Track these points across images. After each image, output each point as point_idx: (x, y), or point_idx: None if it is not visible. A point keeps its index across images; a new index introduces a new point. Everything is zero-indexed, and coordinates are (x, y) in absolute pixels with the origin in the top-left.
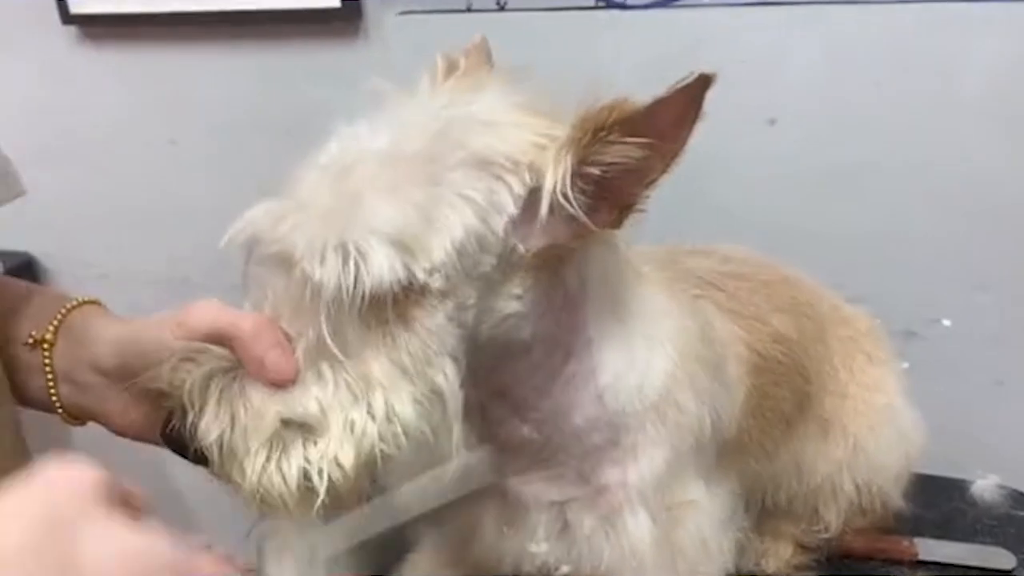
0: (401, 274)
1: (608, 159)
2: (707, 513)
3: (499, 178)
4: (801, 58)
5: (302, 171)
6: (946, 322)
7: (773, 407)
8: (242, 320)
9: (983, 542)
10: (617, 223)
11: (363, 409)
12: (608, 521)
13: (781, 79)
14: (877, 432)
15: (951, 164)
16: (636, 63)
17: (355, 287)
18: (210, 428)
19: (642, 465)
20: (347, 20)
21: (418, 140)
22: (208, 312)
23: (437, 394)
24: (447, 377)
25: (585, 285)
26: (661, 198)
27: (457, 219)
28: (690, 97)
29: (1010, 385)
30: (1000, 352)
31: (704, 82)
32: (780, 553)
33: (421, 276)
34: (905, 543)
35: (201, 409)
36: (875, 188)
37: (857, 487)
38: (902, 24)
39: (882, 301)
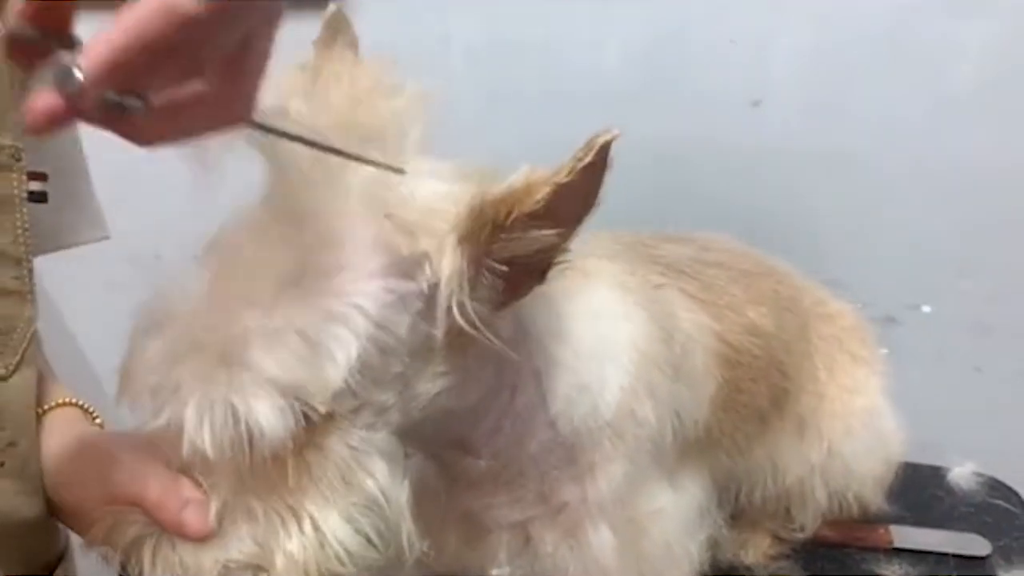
0: (298, 420)
1: (508, 254)
2: (672, 518)
3: (392, 277)
4: (788, 40)
5: (174, 299)
6: (926, 308)
7: (747, 402)
8: (148, 490)
9: (959, 529)
10: (540, 281)
11: (296, 540)
12: (571, 536)
13: (767, 61)
14: (854, 437)
15: (935, 150)
16: (622, 44)
17: (251, 446)
18: None
19: (600, 482)
20: None
21: (292, 245)
22: (121, 480)
23: (371, 499)
24: (378, 479)
25: (522, 325)
26: (640, 182)
27: (349, 335)
28: (593, 175)
29: (988, 372)
30: (980, 339)
31: (604, 152)
32: (758, 544)
33: (322, 409)
34: (881, 530)
35: (141, 573)
36: (858, 173)
37: (829, 495)
38: (891, 7)
39: (863, 286)
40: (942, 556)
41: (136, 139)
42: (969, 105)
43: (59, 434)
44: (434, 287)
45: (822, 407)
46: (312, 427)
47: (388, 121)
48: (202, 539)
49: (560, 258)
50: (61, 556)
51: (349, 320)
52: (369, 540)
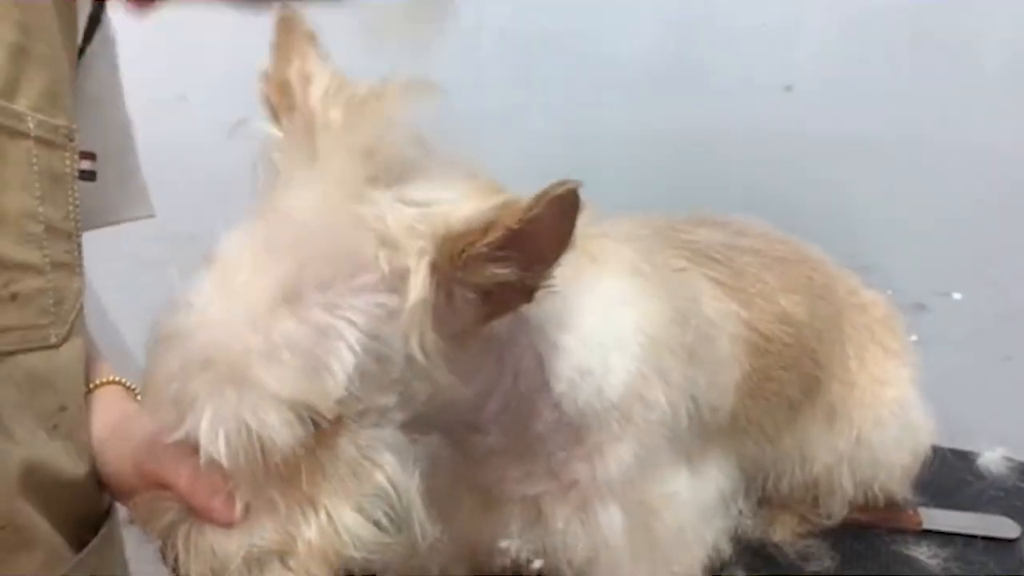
0: (306, 429)
1: (477, 280)
2: (687, 503)
3: (381, 292)
4: (819, 24)
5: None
6: (956, 296)
7: (776, 390)
8: (180, 476)
9: (989, 512)
10: (526, 300)
11: (315, 528)
12: (581, 513)
13: (798, 45)
14: (883, 427)
15: (967, 136)
16: (653, 27)
17: (263, 454)
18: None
19: (608, 462)
20: None
21: (288, 259)
22: (156, 461)
23: (381, 490)
24: (386, 471)
25: (522, 313)
26: (672, 167)
27: (344, 349)
28: (548, 224)
29: (1018, 360)
30: (1009, 327)
31: (557, 205)
32: (786, 522)
33: (329, 416)
34: (910, 512)
35: (177, 558)
36: (890, 158)
37: (856, 484)
38: None
39: (893, 273)
40: (971, 538)
41: None
42: (1001, 91)
43: (103, 410)
44: None
45: (852, 396)
46: (322, 430)
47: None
48: (229, 526)
49: (545, 283)
50: (106, 514)
51: (342, 334)
52: (380, 526)
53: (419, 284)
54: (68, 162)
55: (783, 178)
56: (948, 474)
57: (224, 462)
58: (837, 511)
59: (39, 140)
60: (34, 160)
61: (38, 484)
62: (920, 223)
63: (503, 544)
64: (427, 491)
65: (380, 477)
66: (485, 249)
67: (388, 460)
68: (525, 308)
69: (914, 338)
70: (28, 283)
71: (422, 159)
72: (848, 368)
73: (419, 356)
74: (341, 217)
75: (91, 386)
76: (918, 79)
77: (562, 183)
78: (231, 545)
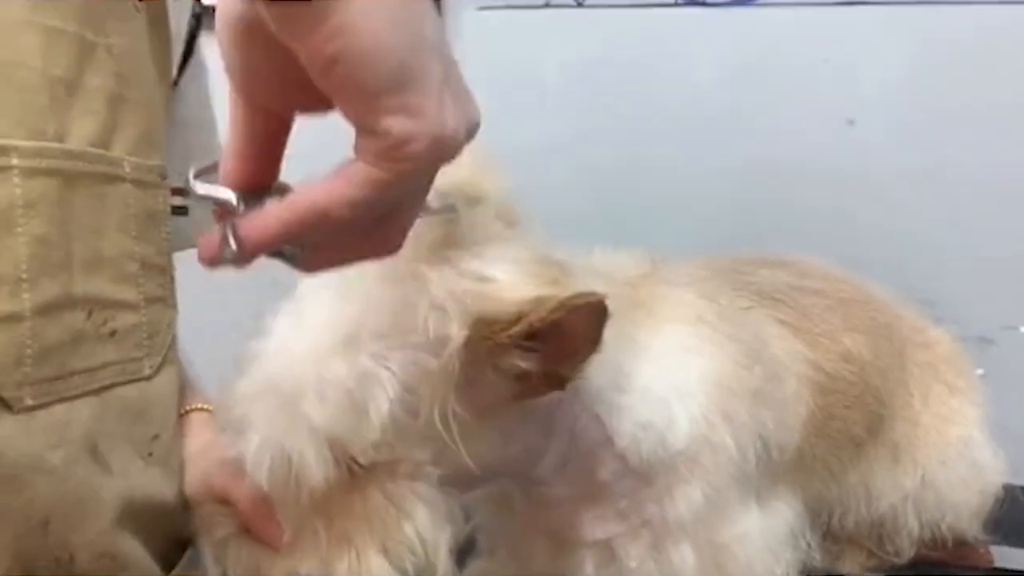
0: (339, 469)
1: (504, 366)
2: (757, 540)
3: (421, 351)
4: (883, 58)
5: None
6: (1023, 329)
7: (841, 428)
8: (241, 496)
9: None
10: (559, 388)
11: (345, 566)
12: (654, 552)
13: (862, 79)
14: (949, 467)
15: None
16: (716, 61)
17: (299, 485)
18: None
19: (678, 503)
20: None
21: (355, 306)
22: (222, 476)
23: (409, 541)
24: (416, 524)
25: (571, 385)
26: (735, 201)
27: (382, 395)
28: (569, 328)
29: None
30: None
31: (578, 312)
32: (854, 556)
33: (362, 460)
34: (981, 551)
35: (226, 571)
36: (954, 191)
37: (923, 524)
38: (988, 26)
39: (959, 307)
40: None
41: (294, 267)
42: None
43: (189, 437)
44: None
45: (916, 434)
46: (357, 475)
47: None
48: (277, 548)
49: (577, 375)
50: (192, 538)
51: (382, 381)
52: (405, 575)
53: (449, 357)
54: (161, 199)
55: (846, 212)
56: (1020, 512)
57: (264, 485)
58: (905, 549)
59: (135, 182)
60: (130, 202)
61: (135, 513)
62: (985, 256)
63: None
64: (501, 535)
65: (408, 528)
66: (508, 340)
67: (420, 513)
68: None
69: (980, 372)
70: (125, 319)
71: (503, 231)
72: (912, 406)
73: (438, 424)
74: (406, 275)
75: (181, 411)
76: (982, 111)
77: (588, 294)
78: (275, 568)
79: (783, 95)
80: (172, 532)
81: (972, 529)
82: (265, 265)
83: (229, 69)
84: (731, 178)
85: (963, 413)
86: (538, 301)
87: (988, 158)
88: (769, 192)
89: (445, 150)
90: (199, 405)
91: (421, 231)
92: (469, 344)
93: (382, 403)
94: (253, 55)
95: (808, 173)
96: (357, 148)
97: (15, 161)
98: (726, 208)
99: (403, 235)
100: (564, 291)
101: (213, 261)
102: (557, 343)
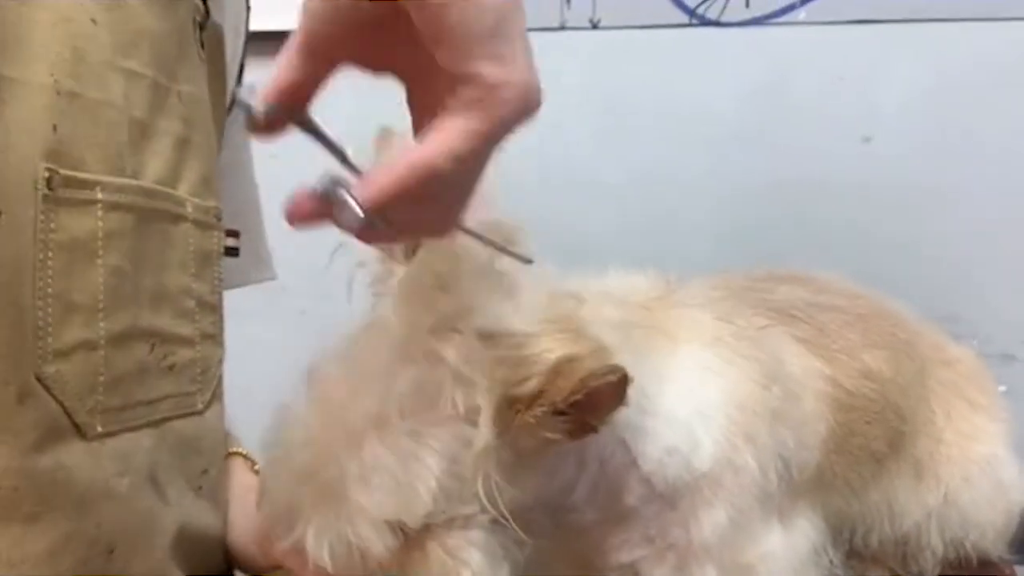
0: (397, 537)
1: (534, 435)
2: (780, 559)
3: (459, 423)
4: (898, 76)
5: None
6: None
7: (862, 444)
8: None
9: None
10: (592, 432)
11: None
12: (679, 573)
13: (877, 97)
14: (972, 485)
15: None
16: (731, 81)
17: (364, 561)
18: None
19: (703, 525)
20: None
21: (377, 387)
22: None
23: None
24: (473, 568)
25: None
26: (753, 219)
27: (428, 473)
28: (607, 395)
29: None
30: None
31: (598, 392)
32: (879, 574)
33: (415, 528)
34: (1007, 571)
35: None
36: (972, 208)
37: (946, 543)
38: (1002, 40)
39: (980, 323)
40: None
41: (365, 240)
42: None
43: (233, 477)
44: None
45: (939, 451)
46: (412, 536)
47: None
48: None
49: (606, 422)
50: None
51: (425, 460)
52: None
53: (484, 431)
54: (216, 241)
55: (866, 229)
56: None
57: (329, 567)
58: (929, 568)
59: (195, 222)
60: (190, 241)
61: (186, 543)
62: (1006, 272)
63: None
64: (529, 562)
65: (467, 575)
66: (533, 420)
67: (476, 559)
68: None
69: (1003, 388)
70: (182, 354)
71: (503, 279)
72: (934, 423)
73: (483, 497)
74: (418, 353)
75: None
76: (999, 127)
77: (610, 369)
78: None
79: (799, 113)
80: (214, 565)
81: (996, 548)
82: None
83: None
84: (748, 196)
85: (986, 430)
86: (556, 372)
87: (1005, 174)
88: (787, 209)
89: (531, 100)
90: (235, 449)
91: (418, 309)
92: (498, 415)
93: (428, 479)
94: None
95: (825, 190)
96: (448, 103)
97: (100, 195)
98: (744, 226)
99: (457, 216)
100: (583, 348)
101: (304, 218)
102: (583, 410)
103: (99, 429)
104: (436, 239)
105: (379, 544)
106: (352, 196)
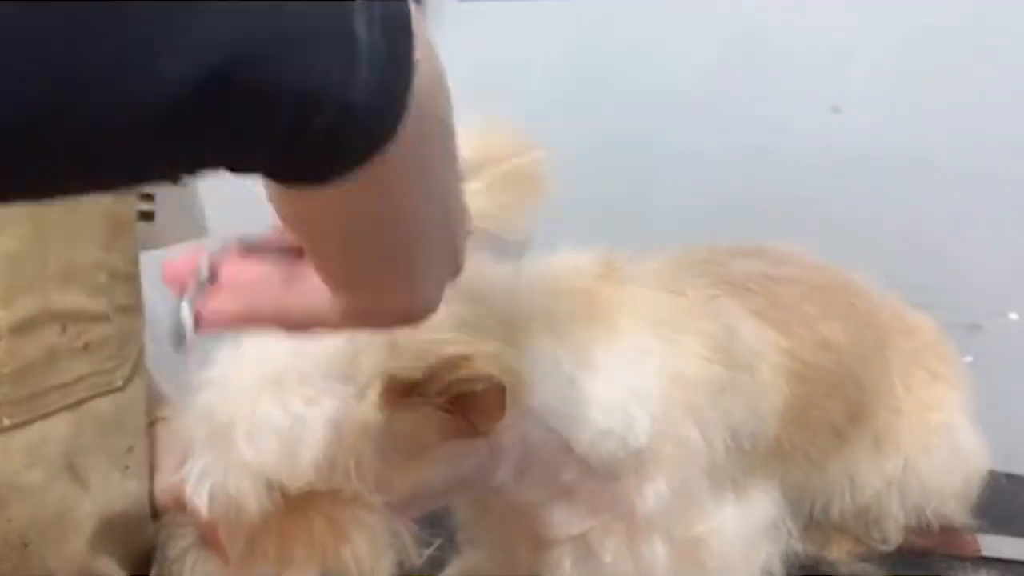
0: (274, 500)
1: (423, 417)
2: (733, 531)
3: (352, 393)
4: (868, 45)
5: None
6: (1012, 315)
7: (821, 417)
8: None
9: None
10: (483, 435)
11: None
12: (628, 543)
13: (847, 66)
14: (931, 454)
15: (1018, 153)
16: (701, 48)
17: (239, 514)
18: None
19: (647, 496)
20: None
21: (287, 347)
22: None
23: (345, 564)
24: (354, 548)
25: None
26: (720, 188)
27: (311, 434)
28: (490, 397)
29: None
30: None
31: (501, 391)
32: (841, 543)
33: (296, 491)
34: (968, 538)
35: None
36: (941, 178)
37: (907, 511)
38: (972, 8)
39: (946, 293)
40: None
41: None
42: None
43: (159, 444)
44: None
45: (899, 422)
46: (294, 498)
47: None
48: (230, 563)
49: (491, 431)
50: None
51: (312, 425)
52: None
53: (366, 408)
54: (129, 207)
55: (834, 199)
56: (1008, 500)
57: (203, 511)
58: (892, 536)
59: None
60: (98, 212)
61: (111, 529)
62: (973, 242)
63: None
64: (482, 532)
65: (346, 553)
66: (408, 409)
67: (358, 538)
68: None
69: (968, 359)
70: (97, 332)
71: None
72: (894, 394)
73: (353, 475)
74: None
75: (149, 421)
76: (969, 98)
77: (484, 377)
78: None
79: (769, 82)
80: (144, 544)
81: (957, 515)
82: None
83: None
84: (716, 165)
85: (946, 399)
86: (442, 367)
87: (975, 145)
88: (755, 179)
89: (404, 324)
90: (166, 414)
91: None
92: (385, 396)
93: (312, 445)
94: None
95: (793, 160)
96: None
97: None
98: (711, 195)
99: None
100: (481, 349)
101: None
102: (465, 412)
103: (6, 423)
104: None
105: (255, 501)
106: (192, 307)
